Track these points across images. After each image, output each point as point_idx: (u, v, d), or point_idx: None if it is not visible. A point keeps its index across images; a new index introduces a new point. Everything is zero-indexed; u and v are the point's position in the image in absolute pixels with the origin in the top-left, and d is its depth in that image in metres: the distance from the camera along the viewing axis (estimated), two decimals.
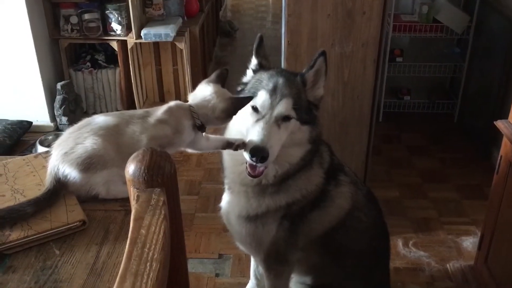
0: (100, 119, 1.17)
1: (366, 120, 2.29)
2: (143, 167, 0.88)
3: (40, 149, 3.06)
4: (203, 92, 1.28)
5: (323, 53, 1.34)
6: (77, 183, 1.09)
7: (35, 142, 3.15)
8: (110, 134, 1.14)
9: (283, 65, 2.44)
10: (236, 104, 1.27)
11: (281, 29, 2.53)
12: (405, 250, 2.39)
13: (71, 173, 1.08)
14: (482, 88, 3.29)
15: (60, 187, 1.08)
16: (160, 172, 0.89)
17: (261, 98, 1.32)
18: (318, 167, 1.47)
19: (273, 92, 1.32)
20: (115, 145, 1.13)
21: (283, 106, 1.30)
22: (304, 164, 1.41)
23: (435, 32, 3.35)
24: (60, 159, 1.09)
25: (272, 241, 1.49)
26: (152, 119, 1.18)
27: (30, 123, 3.36)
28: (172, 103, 1.26)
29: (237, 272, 2.27)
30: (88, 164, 1.09)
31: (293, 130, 1.33)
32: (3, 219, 0.99)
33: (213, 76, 1.33)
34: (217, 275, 2.26)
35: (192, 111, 1.24)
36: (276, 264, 1.58)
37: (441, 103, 3.62)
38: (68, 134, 1.15)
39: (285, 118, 1.30)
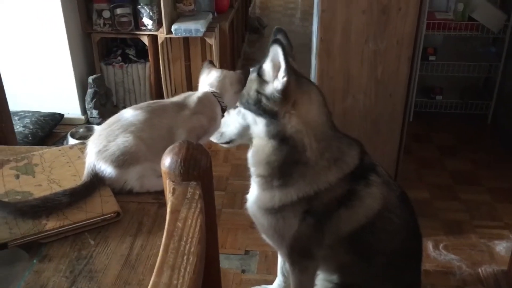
0: (129, 114, 1.18)
1: (399, 119, 2.24)
2: (179, 160, 0.87)
3: (71, 141, 3.11)
4: (213, 75, 1.35)
5: (275, 41, 1.26)
6: (113, 178, 1.11)
7: (66, 134, 3.21)
8: (142, 130, 1.15)
9: (314, 61, 2.41)
10: (244, 73, 1.36)
11: (313, 25, 2.51)
12: (435, 253, 2.34)
13: (106, 169, 1.10)
14: None
15: (96, 180, 1.09)
16: (197, 165, 0.88)
17: None
18: (330, 168, 1.42)
19: None
20: (147, 140, 1.14)
21: None
22: (286, 158, 1.37)
23: (470, 30, 3.26)
24: (95, 157, 1.11)
25: (295, 236, 1.48)
26: (187, 112, 1.18)
27: (61, 115, 3.42)
28: (200, 93, 1.30)
29: (264, 269, 2.26)
30: (121, 161, 1.10)
31: (251, 120, 1.37)
32: (38, 208, 1.00)
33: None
34: (243, 271, 2.26)
35: (216, 96, 1.28)
36: (301, 258, 1.57)
37: (474, 103, 3.53)
38: (100, 131, 1.17)
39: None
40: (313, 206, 1.44)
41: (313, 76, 2.38)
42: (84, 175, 1.10)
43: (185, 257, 0.72)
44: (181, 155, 0.88)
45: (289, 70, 1.28)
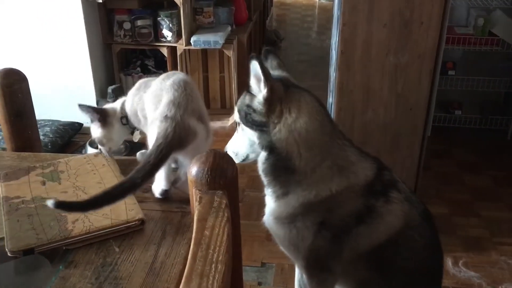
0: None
1: (419, 133, 2.23)
2: (206, 169, 0.88)
3: (90, 150, 3.14)
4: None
5: (252, 57, 1.31)
6: (200, 133, 1.18)
7: (85, 143, 3.24)
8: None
9: (333, 74, 2.41)
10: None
11: (332, 39, 2.51)
12: (455, 270, 2.30)
13: (195, 124, 1.17)
14: None
15: (177, 142, 1.09)
16: (223, 175, 0.89)
17: None
18: (333, 175, 1.41)
19: None
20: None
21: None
22: (276, 167, 1.37)
23: (491, 45, 3.24)
24: (182, 115, 1.15)
25: (310, 248, 1.46)
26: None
27: (81, 124, 3.46)
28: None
29: (280, 282, 2.24)
30: (199, 117, 1.20)
31: (250, 135, 1.40)
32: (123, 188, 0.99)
33: None
34: (259, 283, 2.24)
35: None
36: (318, 271, 1.55)
37: (494, 118, 3.49)
38: (173, 95, 1.20)
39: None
40: (327, 219, 1.43)
41: (332, 89, 2.38)
42: (161, 135, 1.07)
43: (213, 265, 0.71)
44: (208, 164, 0.88)
45: (270, 81, 1.32)
